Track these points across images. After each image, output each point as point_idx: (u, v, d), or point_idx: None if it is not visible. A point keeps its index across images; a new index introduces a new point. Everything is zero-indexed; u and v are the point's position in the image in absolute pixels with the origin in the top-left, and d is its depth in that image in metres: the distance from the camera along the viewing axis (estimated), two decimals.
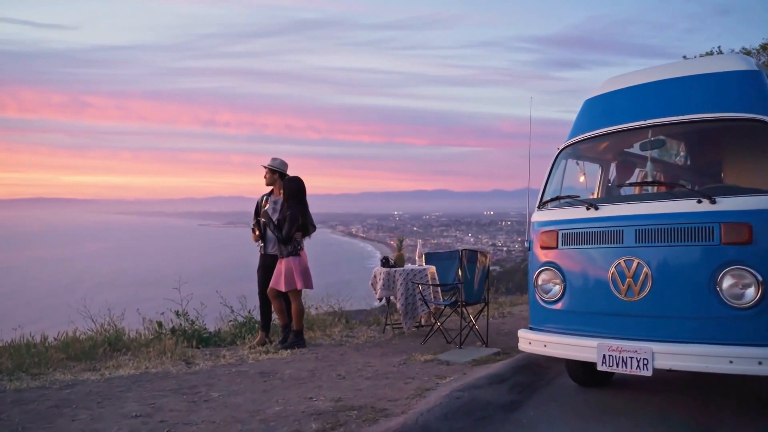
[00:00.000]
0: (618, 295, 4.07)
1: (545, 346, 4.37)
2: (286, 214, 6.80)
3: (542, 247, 4.60)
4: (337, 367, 5.76)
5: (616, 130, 4.69)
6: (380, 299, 7.67)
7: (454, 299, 6.85)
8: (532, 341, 4.48)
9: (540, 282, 4.56)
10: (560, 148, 4.97)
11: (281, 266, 6.84)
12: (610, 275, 4.10)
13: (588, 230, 4.31)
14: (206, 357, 6.54)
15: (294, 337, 6.94)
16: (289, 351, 6.69)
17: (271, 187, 7.30)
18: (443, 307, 7.22)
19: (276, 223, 6.85)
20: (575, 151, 5.03)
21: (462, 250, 6.71)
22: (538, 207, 4.82)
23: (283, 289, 6.80)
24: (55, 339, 7.16)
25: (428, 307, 7.17)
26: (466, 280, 6.57)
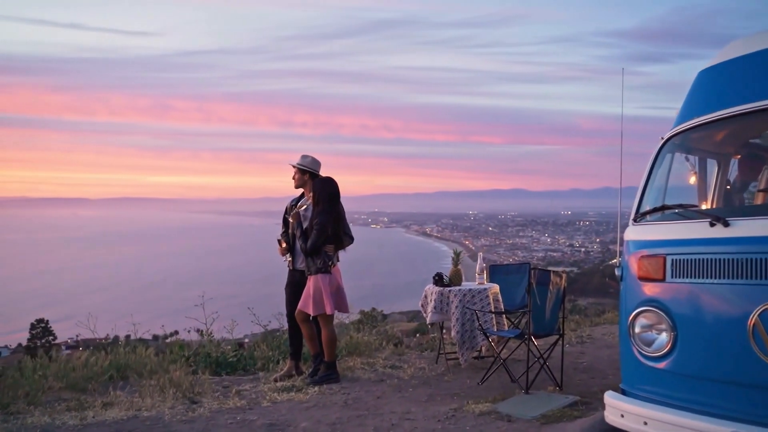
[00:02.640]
0: (764, 357, 2.68)
1: (645, 423, 3.00)
2: (314, 222, 5.65)
3: (642, 279, 3.22)
4: (366, 420, 4.54)
5: (742, 111, 3.25)
6: (431, 324, 6.40)
7: (520, 331, 5.50)
8: (625, 413, 3.12)
9: (638, 328, 3.19)
10: (665, 137, 3.58)
11: (309, 285, 5.70)
12: (750, 325, 2.72)
13: (714, 257, 2.92)
14: (217, 393, 5.48)
15: (325, 371, 5.78)
16: (317, 388, 5.53)
17: (301, 190, 6.16)
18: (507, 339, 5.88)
19: (302, 231, 5.72)
20: (685, 141, 3.63)
21: (531, 269, 5.33)
22: (634, 220, 3.44)
23: (311, 312, 5.66)
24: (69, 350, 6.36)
25: (487, 338, 5.84)
26: (536, 306, 5.21)
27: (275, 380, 5.91)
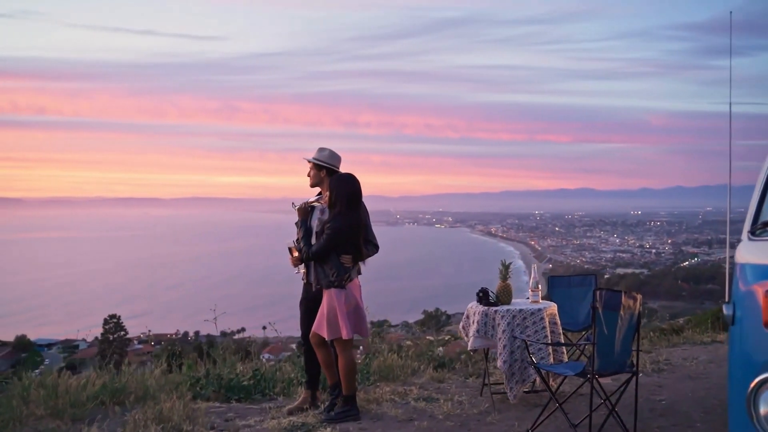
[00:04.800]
0: None
1: None
2: (326, 225, 4.70)
3: None
4: None
5: None
6: (472, 351, 5.35)
7: (582, 368, 4.38)
8: None
9: (764, 406, 2.07)
10: None
11: (323, 303, 4.75)
12: None
13: None
14: (214, 428, 4.62)
15: (343, 405, 4.82)
16: (329, 429, 4.58)
17: (318, 190, 5.22)
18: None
19: (306, 230, 4.81)
20: None
21: (597, 291, 4.18)
22: (752, 233, 2.32)
23: (325, 336, 4.72)
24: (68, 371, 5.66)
25: (540, 374, 4.73)
26: (602, 336, 4.09)
27: (289, 412, 5.01)
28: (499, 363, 5.02)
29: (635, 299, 4.23)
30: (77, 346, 62.90)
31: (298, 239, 4.99)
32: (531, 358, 4.59)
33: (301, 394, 5.30)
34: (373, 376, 6.19)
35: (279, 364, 6.83)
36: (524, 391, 5.32)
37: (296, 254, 4.99)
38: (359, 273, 4.97)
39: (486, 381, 5.46)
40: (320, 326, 4.75)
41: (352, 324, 4.70)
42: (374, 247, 5.00)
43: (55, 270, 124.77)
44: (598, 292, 4.09)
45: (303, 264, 5.05)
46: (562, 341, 5.25)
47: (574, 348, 6.01)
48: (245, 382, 5.86)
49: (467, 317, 5.38)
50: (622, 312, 4.13)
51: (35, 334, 64.64)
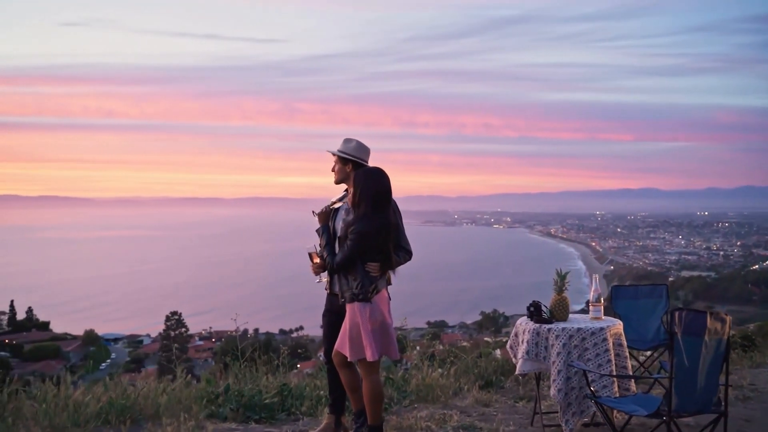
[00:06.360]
0: None
1: None
2: (350, 229, 4.04)
3: None
4: None
5: None
6: (522, 375, 4.60)
7: (657, 407, 3.56)
8: None
9: None
10: None
11: (346, 318, 4.10)
12: None
13: None
14: None
15: None
16: None
17: (344, 187, 4.56)
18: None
19: (329, 238, 4.17)
20: None
21: (676, 311, 3.35)
22: None
23: (347, 356, 4.07)
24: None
25: (602, 410, 3.92)
26: (682, 368, 3.30)
27: None
28: (552, 391, 4.26)
29: (723, 321, 3.41)
30: (141, 341, 64.72)
31: (320, 246, 4.34)
32: (591, 389, 3.81)
33: (325, 418, 4.67)
34: (410, 396, 5.53)
35: (309, 379, 6.23)
36: (583, 424, 4.54)
37: (317, 260, 4.36)
38: (389, 284, 4.30)
39: (538, 409, 4.69)
40: (342, 345, 4.10)
41: (378, 343, 4.03)
42: (407, 254, 4.32)
43: (122, 267, 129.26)
44: (677, 314, 3.29)
45: (326, 272, 4.41)
46: (629, 366, 4.43)
47: (641, 366, 5.21)
48: (268, 400, 5.28)
49: (515, 335, 4.63)
50: (706, 337, 3.33)
51: (103, 329, 66.92)
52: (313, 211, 4.41)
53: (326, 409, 4.74)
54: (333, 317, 4.42)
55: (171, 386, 5.51)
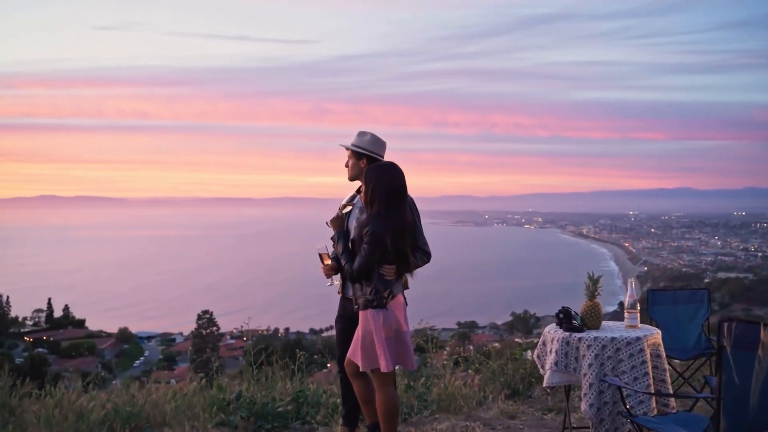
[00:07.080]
0: None
1: None
2: (364, 231, 3.74)
3: None
4: None
5: None
6: (549, 387, 4.25)
7: (703, 429, 3.19)
8: None
9: None
10: None
11: (359, 326, 3.80)
12: None
13: None
14: None
15: None
16: None
17: (358, 184, 4.26)
18: None
19: (345, 245, 3.87)
20: None
21: (725, 323, 2.95)
22: None
23: (360, 365, 3.77)
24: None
25: (638, 430, 3.54)
26: (732, 387, 2.93)
27: None
28: (583, 406, 3.90)
29: None
30: (174, 340, 65.51)
31: (338, 253, 4.03)
32: (626, 406, 3.45)
33: (338, 430, 4.39)
34: (431, 406, 5.21)
35: (326, 384, 5.95)
36: None
37: (328, 261, 4.07)
38: (406, 287, 4.00)
39: (567, 423, 4.33)
40: (355, 353, 3.81)
41: (393, 353, 3.72)
42: (425, 255, 4.01)
43: (156, 266, 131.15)
44: (725, 325, 2.92)
45: (338, 274, 4.12)
46: (668, 380, 4.05)
47: (680, 377, 4.82)
48: (281, 408, 5.02)
49: (543, 344, 4.27)
50: (760, 352, 2.95)
51: (136, 327, 67.94)
52: (326, 222, 4.12)
53: (339, 421, 4.46)
54: (346, 323, 4.13)
55: (182, 392, 5.30)
